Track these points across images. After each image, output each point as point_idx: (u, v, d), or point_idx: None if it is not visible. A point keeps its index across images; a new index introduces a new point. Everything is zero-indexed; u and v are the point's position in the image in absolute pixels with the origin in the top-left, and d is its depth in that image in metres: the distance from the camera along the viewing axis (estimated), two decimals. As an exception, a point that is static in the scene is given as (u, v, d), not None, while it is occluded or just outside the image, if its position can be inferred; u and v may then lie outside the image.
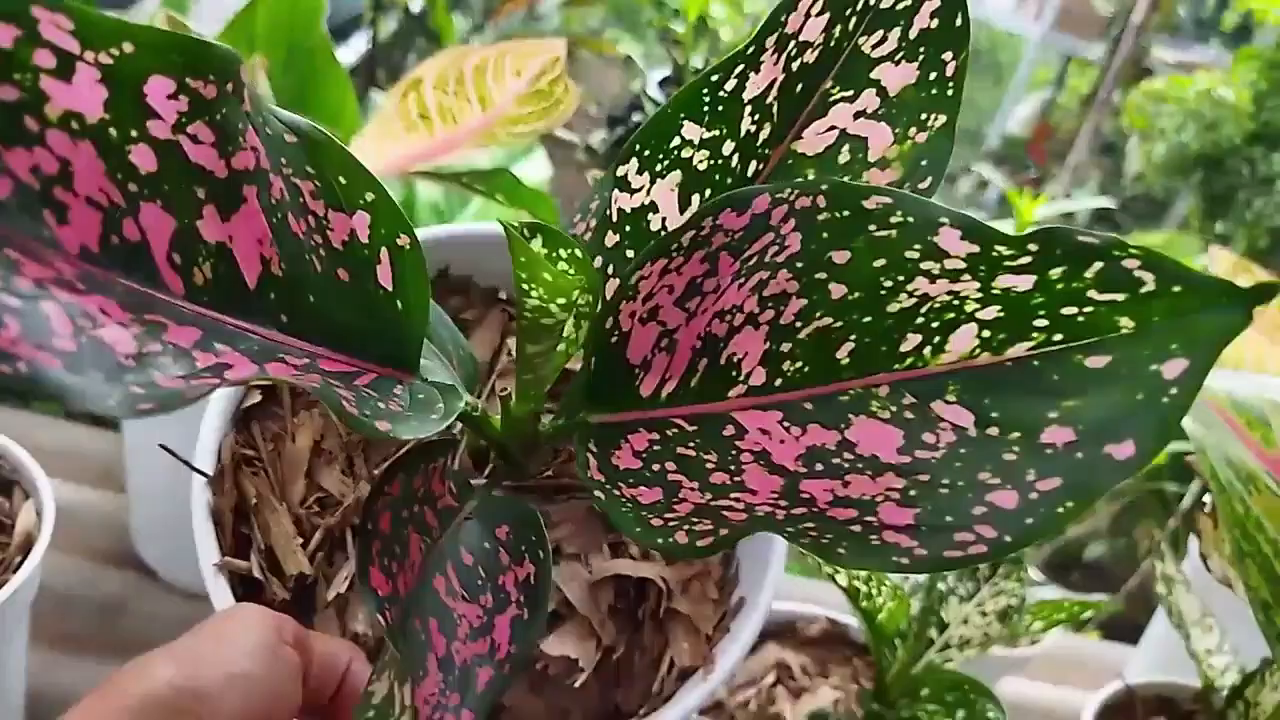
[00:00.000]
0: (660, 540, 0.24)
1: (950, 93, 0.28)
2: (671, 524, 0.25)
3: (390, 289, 0.29)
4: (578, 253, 0.28)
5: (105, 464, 0.73)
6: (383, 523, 0.25)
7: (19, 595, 0.43)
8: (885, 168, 0.28)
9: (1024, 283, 0.22)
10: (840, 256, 0.25)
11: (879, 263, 0.24)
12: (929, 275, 0.23)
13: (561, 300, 0.26)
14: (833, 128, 0.29)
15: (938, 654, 0.47)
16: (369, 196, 0.28)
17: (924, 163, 0.28)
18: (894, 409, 0.24)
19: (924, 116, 0.28)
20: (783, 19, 0.28)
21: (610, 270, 0.32)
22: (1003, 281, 0.23)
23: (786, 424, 0.26)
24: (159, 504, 0.64)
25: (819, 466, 0.24)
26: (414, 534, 0.27)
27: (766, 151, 0.29)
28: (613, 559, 0.38)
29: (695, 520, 0.24)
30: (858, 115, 0.28)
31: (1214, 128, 1.68)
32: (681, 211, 0.30)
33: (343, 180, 0.28)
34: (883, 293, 0.24)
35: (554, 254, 0.28)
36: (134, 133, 0.23)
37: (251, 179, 0.25)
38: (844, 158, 0.29)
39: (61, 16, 0.21)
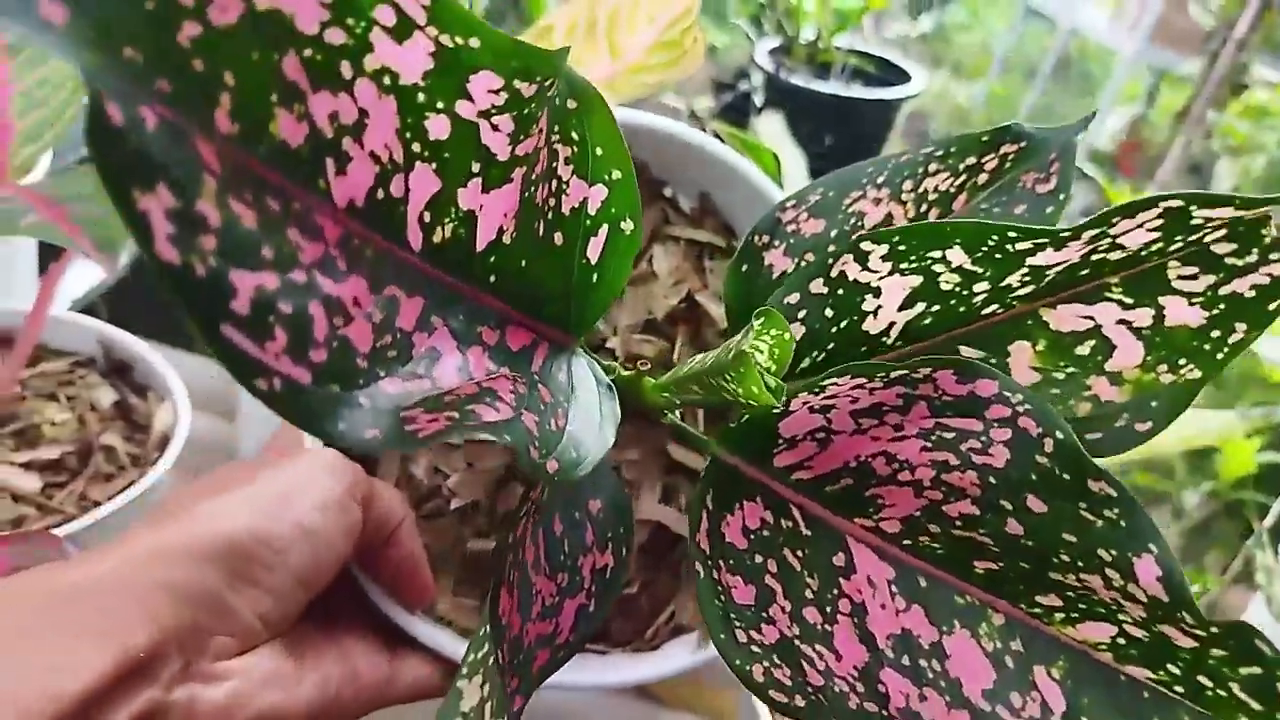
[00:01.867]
0: (738, 661, 0.26)
1: (1220, 357, 0.26)
2: (754, 650, 0.26)
3: (594, 262, 0.28)
4: (786, 337, 0.27)
5: (218, 393, 0.71)
6: (520, 530, 0.26)
7: (155, 490, 0.45)
8: (1115, 383, 0.27)
9: (1185, 642, 0.23)
10: (1035, 505, 0.24)
11: (1068, 537, 0.24)
12: (1107, 581, 0.23)
13: (752, 403, 0.26)
14: (1091, 318, 0.27)
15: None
16: (615, 174, 0.26)
17: (1154, 404, 0.27)
18: (999, 644, 0.25)
19: (1181, 362, 0.26)
20: (1113, 221, 0.25)
21: (800, 315, 0.31)
22: (1168, 630, 0.23)
23: (894, 588, 0.27)
24: (269, 431, 0.64)
25: (905, 660, 0.26)
26: (529, 522, 0.28)
27: (1014, 304, 0.28)
28: (660, 504, 0.40)
29: (777, 661, 0.26)
30: (1122, 322, 0.27)
31: (1317, 143, 1.58)
32: (900, 310, 0.29)
33: (599, 152, 0.26)
34: (1054, 560, 0.24)
35: (764, 334, 0.27)
36: (440, 105, 0.21)
37: (524, 162, 0.23)
38: (1083, 350, 0.27)
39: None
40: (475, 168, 0.22)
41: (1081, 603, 0.24)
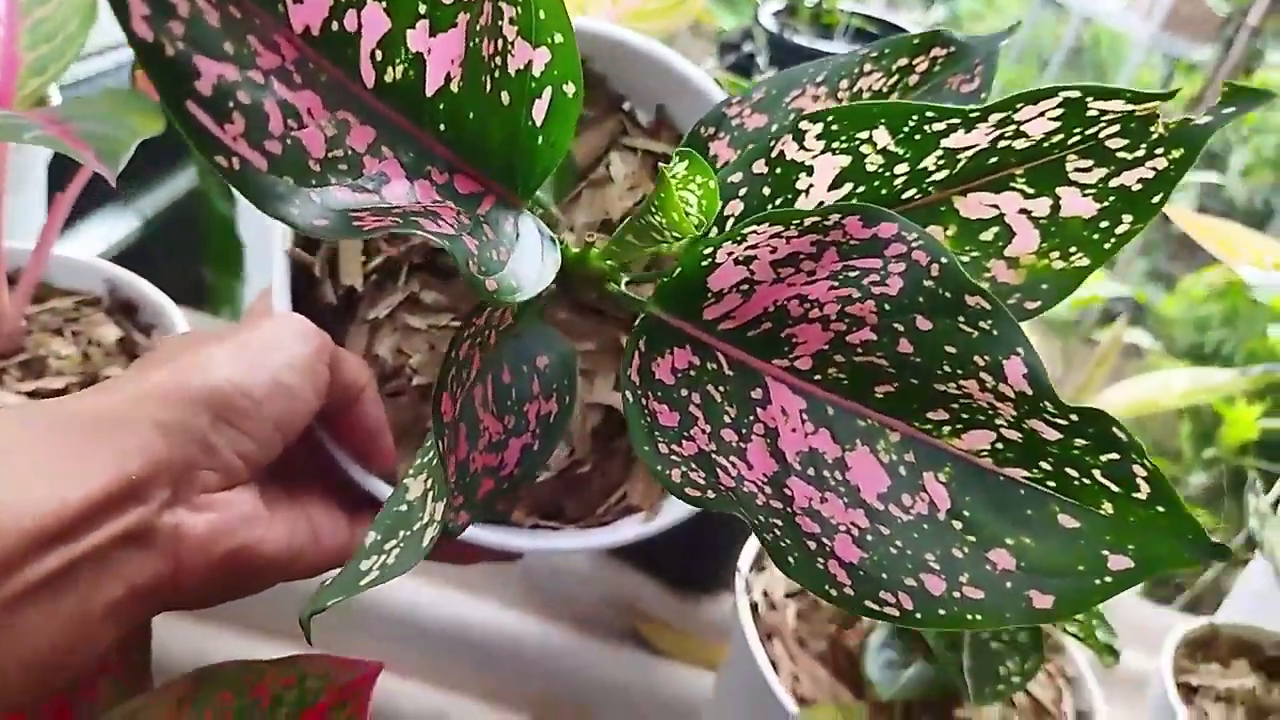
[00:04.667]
0: (658, 467, 0.29)
1: (1106, 246, 0.29)
2: (674, 459, 0.29)
3: (538, 124, 0.30)
4: (711, 184, 0.30)
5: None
6: (463, 349, 0.29)
7: None
8: (1012, 267, 0.30)
9: (1050, 434, 0.26)
10: (923, 324, 0.27)
11: (950, 349, 0.27)
12: (981, 384, 0.26)
13: (676, 234, 0.28)
14: (995, 207, 0.30)
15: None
16: (557, 38, 0.29)
17: (1044, 287, 0.29)
18: (894, 457, 0.28)
19: (1072, 250, 0.29)
20: (1017, 106, 0.28)
21: (741, 193, 0.33)
22: (1034, 424, 0.26)
23: (805, 415, 0.30)
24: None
25: (810, 471, 0.29)
26: (478, 353, 0.30)
27: (930, 190, 0.31)
28: (613, 390, 0.43)
29: (693, 467, 0.29)
30: (1022, 211, 0.30)
31: (1330, 119, 1.62)
32: (830, 190, 0.32)
33: (543, 15, 0.29)
34: (939, 371, 0.27)
35: (690, 178, 0.30)
36: (386, -59, 0.24)
37: (468, 7, 0.26)
38: (986, 235, 0.30)
39: None
40: (421, 9, 0.25)
41: (964, 413, 0.27)
